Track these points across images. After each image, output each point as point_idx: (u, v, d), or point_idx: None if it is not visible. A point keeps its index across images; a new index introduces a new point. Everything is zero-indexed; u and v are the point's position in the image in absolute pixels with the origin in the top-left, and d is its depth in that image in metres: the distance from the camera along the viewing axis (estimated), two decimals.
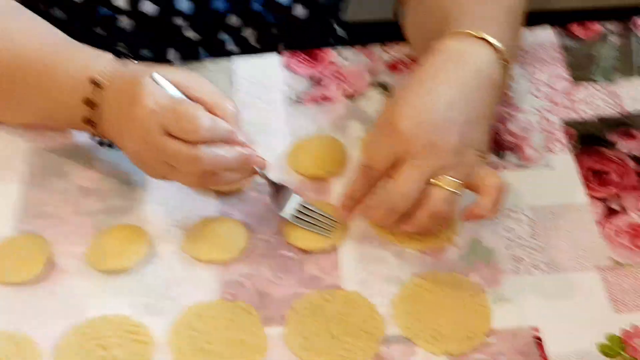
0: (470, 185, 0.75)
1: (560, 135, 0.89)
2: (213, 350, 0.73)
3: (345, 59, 0.97)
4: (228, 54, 1.02)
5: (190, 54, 1.02)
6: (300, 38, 1.03)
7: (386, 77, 0.95)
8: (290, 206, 0.81)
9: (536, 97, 0.93)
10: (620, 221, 0.82)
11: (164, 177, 0.78)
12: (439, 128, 0.74)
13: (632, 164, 0.86)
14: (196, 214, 0.83)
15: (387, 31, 0.98)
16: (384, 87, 0.94)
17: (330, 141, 0.89)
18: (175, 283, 0.78)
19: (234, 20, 1.00)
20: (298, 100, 0.93)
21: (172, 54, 1.02)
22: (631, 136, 0.89)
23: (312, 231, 0.80)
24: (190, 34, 1.00)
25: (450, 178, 0.74)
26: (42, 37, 0.85)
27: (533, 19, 0.92)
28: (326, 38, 1.11)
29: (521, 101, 0.92)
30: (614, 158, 0.87)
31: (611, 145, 0.88)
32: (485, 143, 0.78)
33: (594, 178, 0.85)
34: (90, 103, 0.79)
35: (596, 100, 0.92)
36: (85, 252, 0.80)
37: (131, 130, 0.76)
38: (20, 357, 0.73)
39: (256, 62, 0.97)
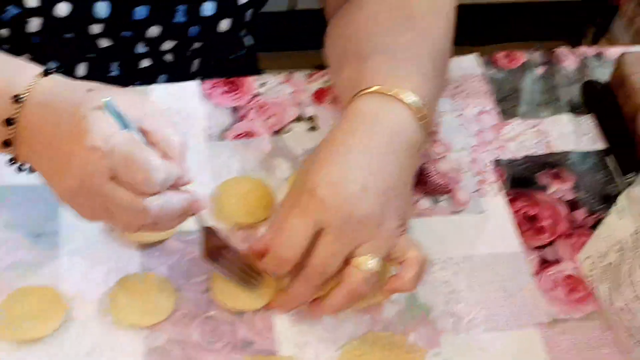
0: (391, 259, 0.72)
1: (492, 177, 0.87)
2: None
3: (268, 90, 0.92)
4: (141, 72, 0.95)
5: (100, 69, 0.94)
6: (219, 50, 0.98)
7: (312, 109, 0.91)
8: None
9: (466, 134, 0.90)
10: (556, 272, 0.81)
11: (98, 220, 0.69)
12: (357, 199, 0.70)
13: (563, 209, 0.85)
14: (117, 268, 0.77)
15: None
16: (310, 119, 0.90)
17: (256, 185, 0.84)
18: (96, 350, 0.72)
19: (155, 31, 0.92)
20: (220, 137, 0.87)
21: (81, 68, 0.94)
22: (561, 178, 0.88)
23: (236, 284, 0.75)
24: (105, 42, 0.91)
25: (369, 259, 0.70)
26: None
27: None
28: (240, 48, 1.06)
29: (451, 139, 0.90)
30: (546, 202, 0.86)
31: (542, 188, 0.87)
32: (407, 210, 0.74)
33: (527, 223, 0.84)
34: (8, 120, 0.67)
35: (525, 139, 0.91)
36: None
37: (68, 168, 0.65)
38: None
39: (174, 91, 0.90)
